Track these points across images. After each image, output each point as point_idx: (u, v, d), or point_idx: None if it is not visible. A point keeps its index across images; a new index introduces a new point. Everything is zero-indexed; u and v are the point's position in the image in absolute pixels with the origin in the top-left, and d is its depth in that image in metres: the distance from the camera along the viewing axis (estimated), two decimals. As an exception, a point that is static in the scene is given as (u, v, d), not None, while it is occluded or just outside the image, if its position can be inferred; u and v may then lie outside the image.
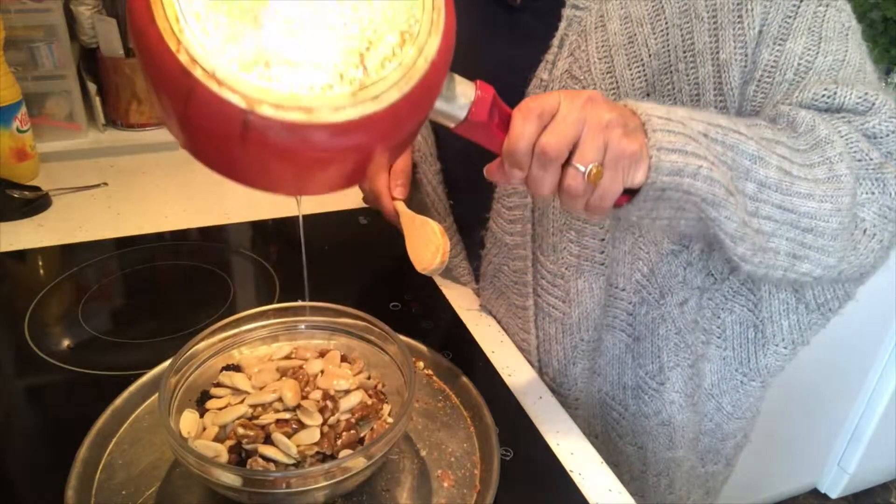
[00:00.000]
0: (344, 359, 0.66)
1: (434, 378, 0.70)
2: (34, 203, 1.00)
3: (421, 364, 0.70)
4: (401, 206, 0.76)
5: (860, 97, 0.61)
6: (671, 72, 0.65)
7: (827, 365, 1.61)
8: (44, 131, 1.17)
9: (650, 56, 0.65)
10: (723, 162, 0.53)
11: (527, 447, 0.64)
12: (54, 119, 1.19)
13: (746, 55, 0.63)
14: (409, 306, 0.82)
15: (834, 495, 1.92)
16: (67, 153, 1.17)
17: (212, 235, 0.98)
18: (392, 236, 0.99)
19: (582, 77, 0.66)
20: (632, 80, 0.65)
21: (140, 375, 0.65)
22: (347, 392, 0.61)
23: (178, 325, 0.75)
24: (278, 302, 0.81)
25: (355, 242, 0.97)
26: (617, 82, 0.65)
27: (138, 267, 0.90)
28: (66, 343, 0.75)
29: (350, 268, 0.92)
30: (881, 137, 0.61)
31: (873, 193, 0.61)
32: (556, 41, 0.67)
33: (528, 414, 0.68)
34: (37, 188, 1.03)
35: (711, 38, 0.63)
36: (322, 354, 0.66)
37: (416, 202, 0.85)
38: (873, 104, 0.61)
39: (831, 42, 0.63)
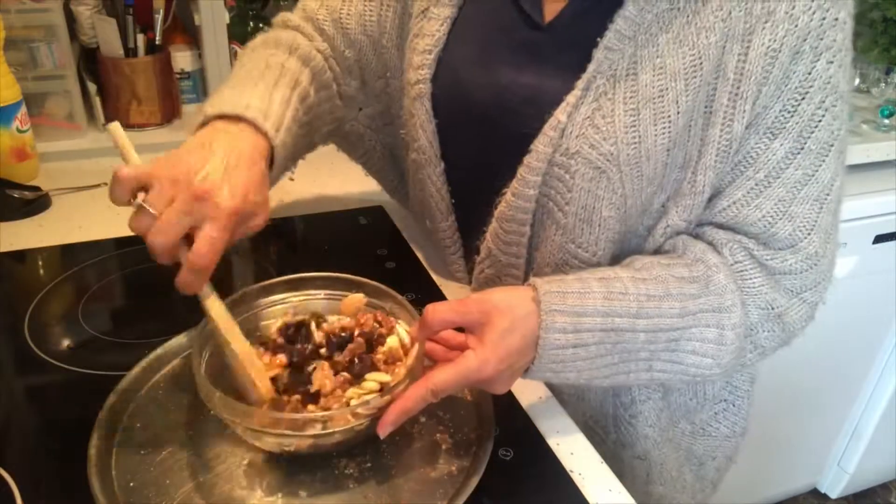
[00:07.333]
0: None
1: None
2: (34, 203, 1.00)
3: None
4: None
5: (789, 233, 0.65)
6: (690, 127, 0.63)
7: (827, 365, 1.61)
8: (44, 131, 1.17)
9: (678, 114, 0.62)
10: (615, 352, 0.62)
11: (527, 447, 0.64)
12: (54, 119, 1.19)
13: (739, 133, 0.63)
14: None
15: (834, 495, 1.92)
16: (67, 153, 1.17)
17: (212, 235, 0.98)
18: (392, 236, 0.99)
19: (604, 127, 0.62)
20: (655, 136, 0.62)
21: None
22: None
23: (177, 326, 0.74)
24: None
25: (355, 242, 0.97)
26: (640, 137, 0.62)
27: (138, 267, 0.90)
28: (66, 343, 0.75)
29: (350, 267, 0.92)
30: (793, 273, 0.67)
31: (774, 332, 0.68)
32: (581, 83, 0.63)
33: (528, 414, 0.68)
34: (37, 188, 1.03)
35: (729, 103, 0.62)
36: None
37: (419, 202, 0.85)
38: (797, 243, 0.66)
39: (809, 155, 0.64)
